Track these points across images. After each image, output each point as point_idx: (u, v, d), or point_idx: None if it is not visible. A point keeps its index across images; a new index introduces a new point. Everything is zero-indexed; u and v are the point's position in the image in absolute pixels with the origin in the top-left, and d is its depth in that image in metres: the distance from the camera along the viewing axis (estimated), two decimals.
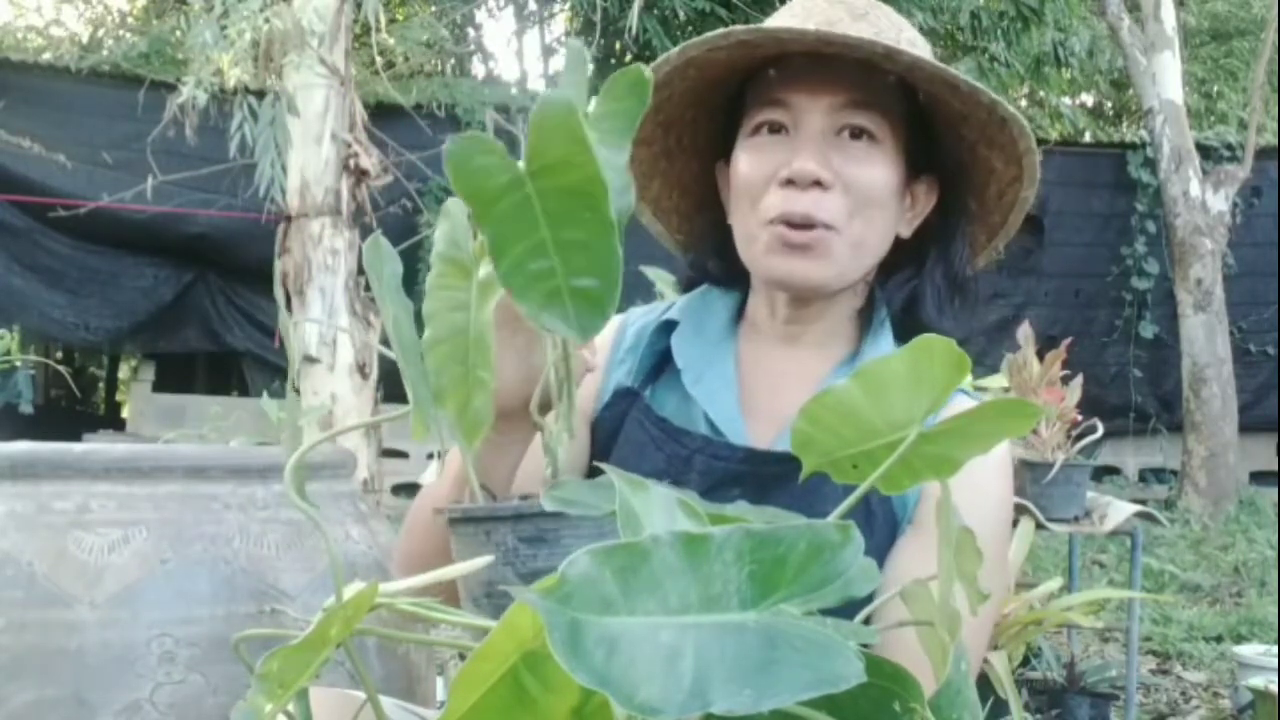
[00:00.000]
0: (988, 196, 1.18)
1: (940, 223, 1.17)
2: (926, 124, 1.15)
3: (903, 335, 1.16)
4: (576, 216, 0.62)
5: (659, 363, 1.18)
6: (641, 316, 1.24)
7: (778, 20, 1.13)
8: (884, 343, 1.14)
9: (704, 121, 1.20)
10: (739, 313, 1.21)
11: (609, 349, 1.21)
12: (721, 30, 1.07)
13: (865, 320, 1.16)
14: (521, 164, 0.62)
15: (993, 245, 1.22)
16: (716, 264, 1.20)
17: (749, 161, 1.10)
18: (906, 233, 1.16)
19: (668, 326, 1.18)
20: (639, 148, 1.17)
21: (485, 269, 0.73)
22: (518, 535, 0.66)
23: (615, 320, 1.22)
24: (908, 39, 1.11)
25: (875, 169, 1.09)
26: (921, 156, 1.15)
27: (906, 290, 1.16)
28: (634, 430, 1.14)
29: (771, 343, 1.17)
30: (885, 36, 1.07)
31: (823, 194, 1.07)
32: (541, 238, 0.62)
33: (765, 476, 1.07)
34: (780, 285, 1.12)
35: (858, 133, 1.09)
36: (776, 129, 1.10)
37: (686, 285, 1.24)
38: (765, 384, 1.16)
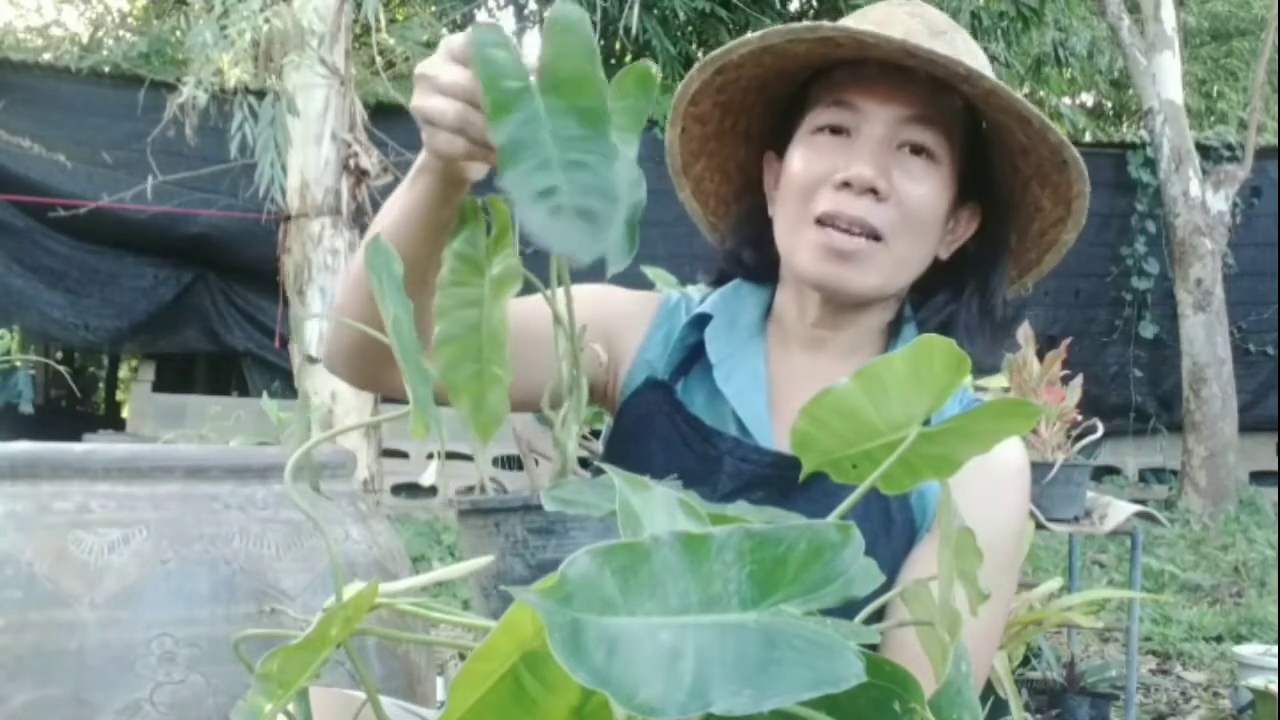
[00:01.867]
0: (1029, 233, 1.18)
1: (979, 252, 1.17)
2: (984, 151, 1.14)
3: None
4: (582, 139, 0.65)
5: (690, 355, 1.17)
6: (681, 302, 1.22)
7: (857, 23, 1.12)
8: None
9: (762, 110, 1.19)
10: (767, 312, 1.20)
11: (649, 321, 1.20)
12: (809, 23, 1.06)
13: (893, 334, 1.16)
14: (533, 77, 0.65)
15: (1022, 282, 1.22)
16: (752, 255, 1.19)
17: (806, 158, 1.09)
18: (945, 255, 1.15)
19: (700, 320, 1.17)
20: (693, 124, 1.17)
21: (498, 266, 0.74)
22: (527, 526, 0.66)
23: (656, 297, 1.22)
24: (983, 64, 1.10)
25: (930, 188, 1.08)
26: (972, 183, 1.14)
27: (944, 314, 1.15)
28: (664, 426, 1.13)
29: (798, 346, 1.16)
30: (963, 58, 1.06)
31: (875, 203, 1.06)
32: (547, 155, 0.65)
33: (790, 481, 1.07)
34: (819, 288, 1.11)
35: (918, 149, 1.08)
36: (839, 131, 1.09)
37: (718, 278, 1.23)
38: (791, 388, 1.15)
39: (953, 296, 1.16)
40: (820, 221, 1.07)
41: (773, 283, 1.19)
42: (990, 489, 1.03)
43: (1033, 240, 1.19)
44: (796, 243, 1.10)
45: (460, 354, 0.71)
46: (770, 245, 1.15)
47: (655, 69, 0.72)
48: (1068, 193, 1.12)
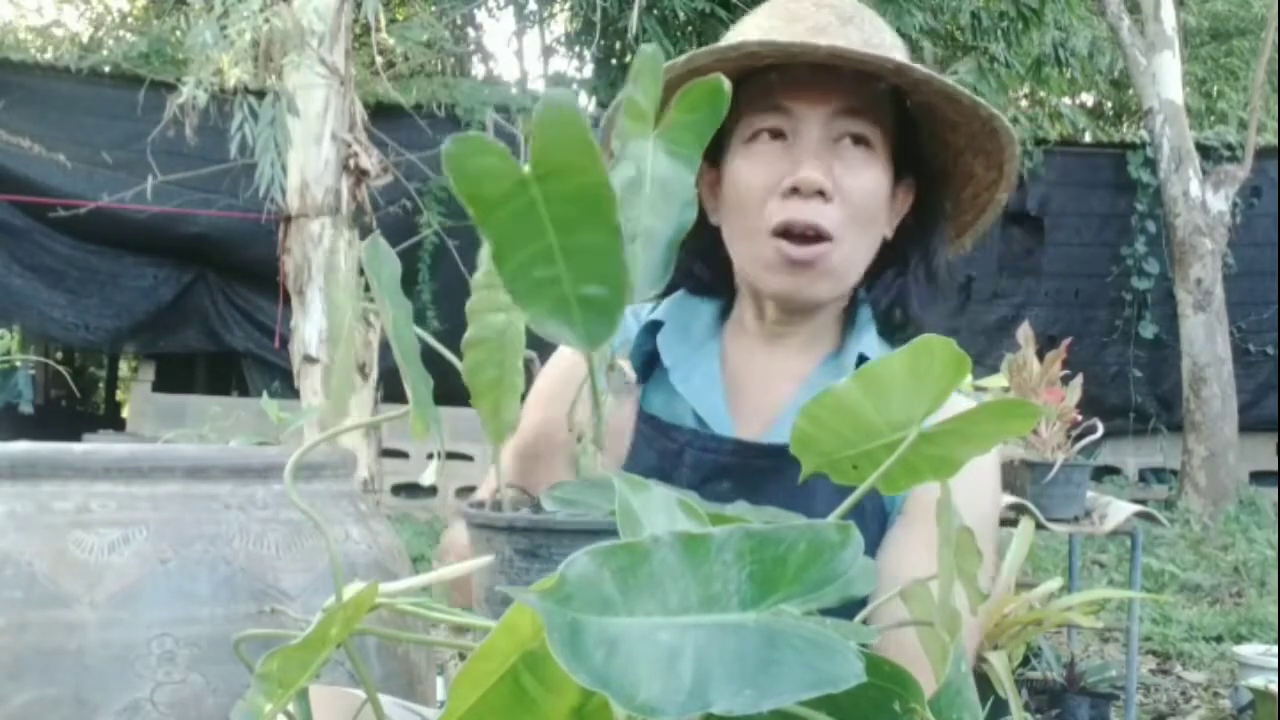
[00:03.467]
0: (964, 198, 1.20)
1: (918, 224, 1.18)
2: (913, 128, 1.15)
3: (888, 331, 1.18)
4: (584, 222, 0.60)
5: (646, 362, 1.18)
6: (630, 315, 1.23)
7: (757, 19, 1.13)
8: (868, 339, 1.15)
9: None
10: (722, 314, 1.21)
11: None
12: (732, 42, 1.07)
13: (849, 318, 1.17)
14: (525, 167, 0.60)
15: (960, 242, 1.24)
16: (703, 268, 1.19)
17: (750, 168, 1.10)
18: (890, 235, 1.16)
19: (653, 327, 1.18)
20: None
21: None
22: (513, 547, 0.65)
23: None
24: (891, 42, 1.13)
25: (871, 176, 1.10)
26: (905, 159, 1.15)
27: (894, 291, 1.17)
28: (636, 435, 1.15)
29: (757, 342, 1.18)
30: (875, 43, 1.08)
31: (823, 204, 1.07)
32: (548, 244, 0.60)
33: (755, 469, 1.07)
34: (779, 299, 1.13)
35: (857, 140, 1.10)
36: (776, 135, 1.10)
37: (666, 290, 1.24)
38: (751, 381, 1.16)
39: (900, 271, 1.17)
40: (775, 233, 1.08)
41: (725, 293, 1.20)
42: (965, 471, 1.05)
43: (968, 204, 1.20)
44: (753, 256, 1.11)
45: (486, 358, 0.71)
46: (719, 255, 1.16)
47: (727, 84, 0.68)
48: (1000, 157, 1.13)
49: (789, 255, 1.08)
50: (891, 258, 1.17)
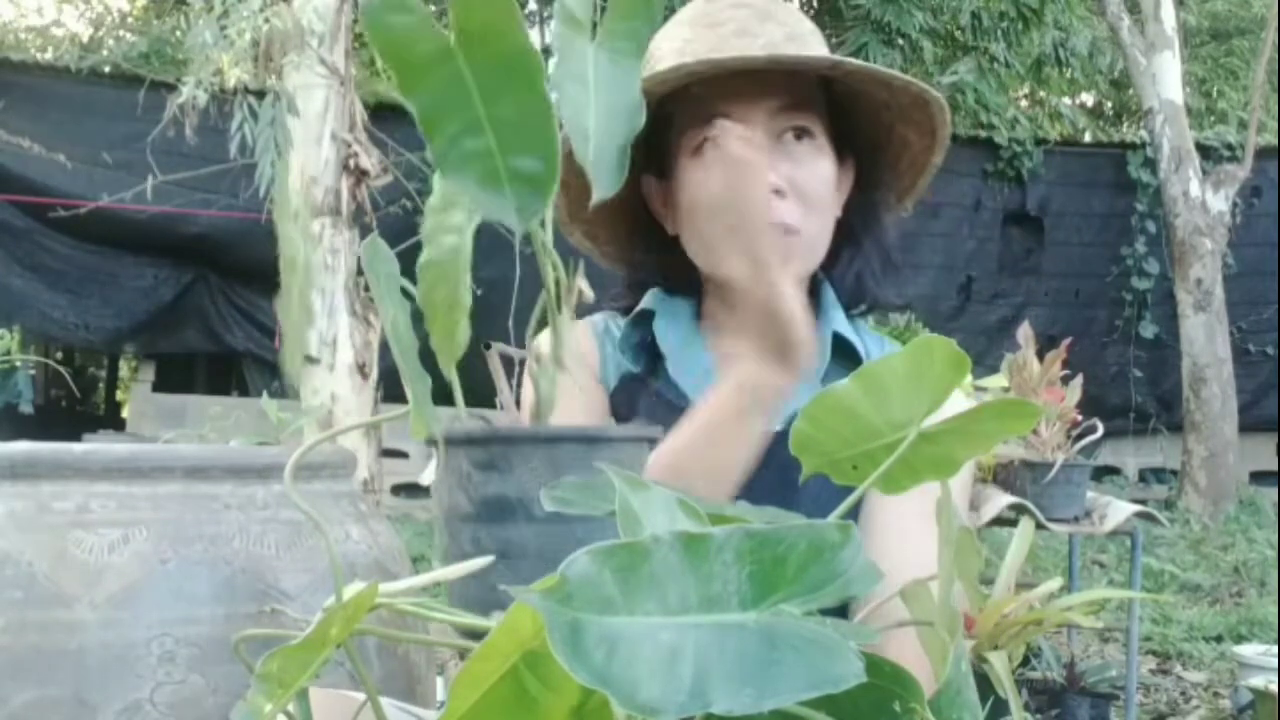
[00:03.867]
0: (900, 166, 1.23)
1: (862, 199, 1.21)
2: (845, 110, 1.18)
3: (852, 308, 1.22)
4: (511, 92, 0.58)
5: (642, 352, 1.21)
6: (606, 317, 1.26)
7: (679, 30, 1.15)
8: (838, 318, 1.18)
9: None
10: (697, 311, 1.24)
11: (595, 351, 1.24)
12: (673, 64, 1.09)
13: (814, 300, 1.19)
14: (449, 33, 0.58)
15: (901, 205, 1.26)
16: (671, 276, 1.21)
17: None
18: (840, 215, 1.19)
19: (643, 316, 1.21)
20: (571, 177, 1.19)
21: None
22: (471, 460, 0.64)
23: (583, 324, 1.24)
24: (808, 30, 1.16)
25: (819, 166, 1.13)
26: (840, 139, 1.18)
27: (853, 270, 1.20)
28: (648, 413, 1.16)
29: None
30: (796, 35, 1.12)
31: (779, 202, 1.09)
32: (476, 114, 0.58)
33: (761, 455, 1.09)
34: None
35: (800, 133, 1.13)
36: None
37: (629, 306, 1.25)
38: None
39: (855, 251, 1.21)
40: None
41: (694, 294, 1.22)
42: None
43: (905, 170, 1.23)
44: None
45: (439, 277, 0.69)
46: (680, 262, 1.18)
47: None
48: (931, 124, 1.16)
49: None
50: (842, 236, 1.20)
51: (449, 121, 0.59)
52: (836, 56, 1.11)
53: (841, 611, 0.51)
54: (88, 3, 11.47)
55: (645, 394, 1.18)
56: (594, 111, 0.68)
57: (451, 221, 0.68)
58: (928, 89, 1.12)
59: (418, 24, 0.57)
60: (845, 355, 1.17)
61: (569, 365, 0.69)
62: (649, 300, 1.22)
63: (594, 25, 0.69)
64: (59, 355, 10.04)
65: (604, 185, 0.67)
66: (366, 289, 4.84)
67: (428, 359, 0.69)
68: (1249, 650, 3.93)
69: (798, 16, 1.18)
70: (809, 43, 1.15)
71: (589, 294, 0.81)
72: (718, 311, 1.20)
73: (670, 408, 1.15)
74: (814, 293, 1.19)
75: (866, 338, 1.22)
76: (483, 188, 0.60)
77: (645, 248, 1.24)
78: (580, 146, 0.66)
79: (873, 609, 0.69)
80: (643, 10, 0.68)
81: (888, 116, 1.17)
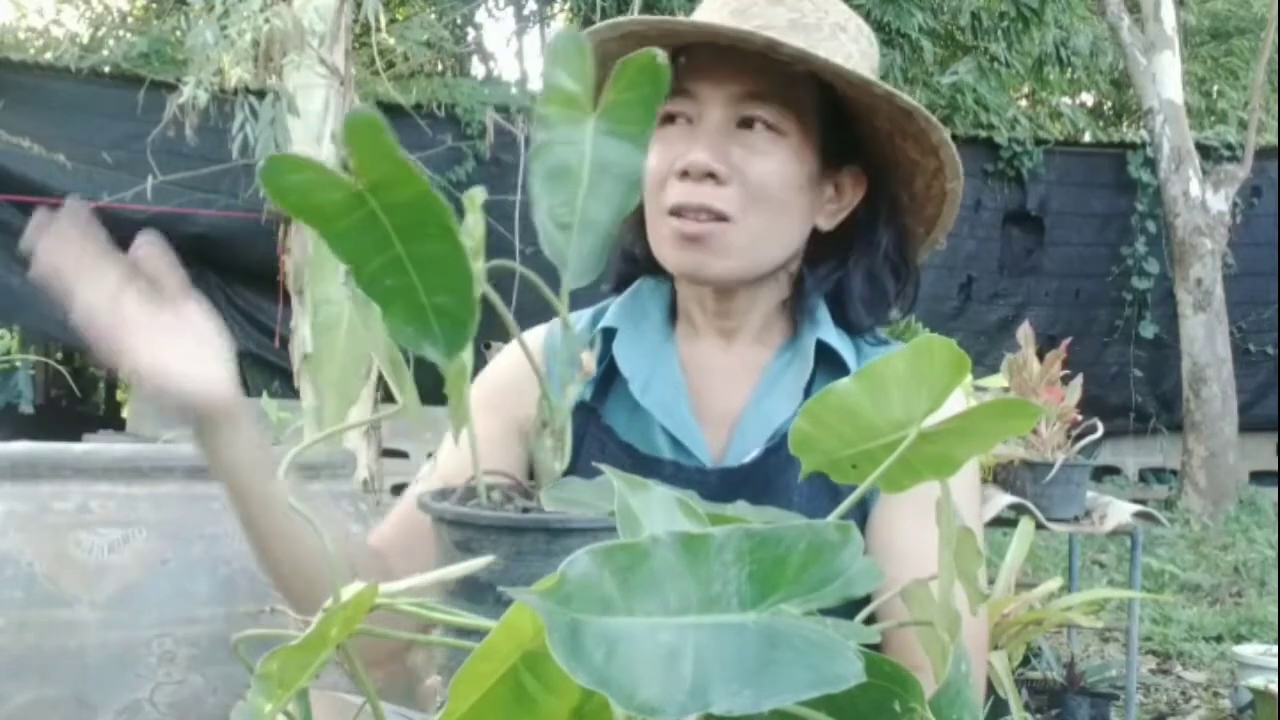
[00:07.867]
0: (916, 189, 1.18)
1: (866, 215, 1.18)
2: (844, 116, 1.14)
3: (839, 323, 1.17)
4: (423, 233, 0.59)
5: (604, 374, 1.15)
6: (585, 317, 1.21)
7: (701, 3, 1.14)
8: (824, 328, 1.15)
9: None
10: (672, 309, 1.20)
11: (541, 372, 1.20)
12: (610, 21, 1.07)
13: (797, 309, 1.17)
14: (355, 180, 0.58)
15: (931, 238, 1.22)
16: (640, 249, 1.19)
17: (655, 153, 1.09)
18: (826, 225, 1.16)
19: (606, 334, 1.16)
20: None
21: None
22: (451, 538, 0.65)
23: (539, 330, 1.17)
24: (833, 23, 1.11)
25: (776, 161, 1.09)
26: (840, 148, 1.15)
27: (830, 282, 1.16)
28: (595, 453, 1.11)
29: (709, 339, 1.17)
30: (806, 22, 1.08)
31: (717, 186, 1.07)
32: (396, 253, 0.60)
33: (739, 495, 1.07)
34: (683, 276, 1.14)
35: (758, 124, 1.09)
36: (683, 119, 1.11)
37: (616, 282, 1.22)
38: (710, 383, 1.16)
39: (839, 264, 1.17)
40: (671, 213, 1.09)
41: (671, 278, 1.20)
42: None
43: (922, 195, 1.18)
44: (658, 237, 1.12)
45: (328, 349, 0.69)
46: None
47: (662, 57, 0.66)
48: (929, 141, 1.12)
49: (680, 230, 1.09)
50: (835, 251, 1.17)
51: (369, 260, 0.60)
52: (780, 40, 1.03)
53: (845, 611, 0.51)
54: (88, 3, 11.46)
55: (593, 428, 1.13)
56: (581, 201, 0.68)
57: (331, 294, 0.68)
58: (896, 94, 1.07)
59: (317, 176, 0.58)
60: (832, 364, 1.13)
61: (476, 419, 0.69)
62: (613, 314, 1.18)
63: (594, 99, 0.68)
64: (59, 355, 10.03)
65: (582, 272, 0.68)
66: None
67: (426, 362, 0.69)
68: (1249, 650, 3.93)
69: (821, 3, 1.12)
70: (820, 35, 1.09)
71: (591, 368, 0.79)
72: (690, 306, 1.17)
73: (619, 445, 1.12)
74: (799, 298, 1.16)
75: (866, 345, 1.18)
76: (408, 323, 0.61)
77: (631, 224, 1.19)
78: (554, 240, 0.66)
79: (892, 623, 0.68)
80: (648, 80, 0.67)
81: (881, 125, 1.13)
